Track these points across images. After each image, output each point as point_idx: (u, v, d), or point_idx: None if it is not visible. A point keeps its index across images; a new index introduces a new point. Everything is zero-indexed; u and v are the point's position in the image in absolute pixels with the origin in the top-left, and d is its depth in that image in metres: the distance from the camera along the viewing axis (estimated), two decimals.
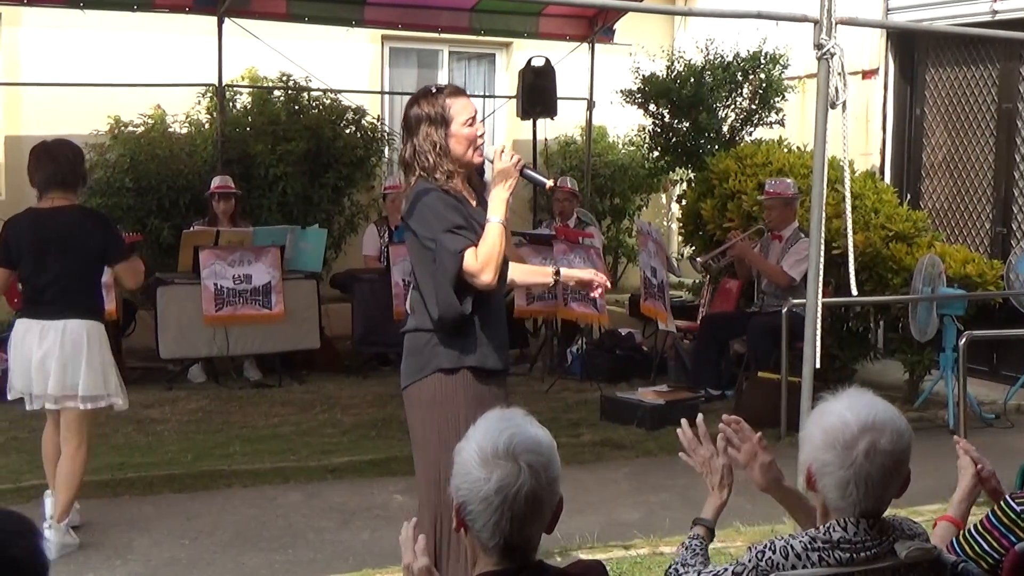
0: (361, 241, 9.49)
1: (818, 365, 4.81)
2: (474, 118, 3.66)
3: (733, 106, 10.04)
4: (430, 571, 2.35)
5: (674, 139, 10.14)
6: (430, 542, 3.46)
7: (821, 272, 4.79)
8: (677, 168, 10.53)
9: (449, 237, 3.55)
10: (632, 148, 11.67)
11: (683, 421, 2.91)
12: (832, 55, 4.62)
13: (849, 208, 4.87)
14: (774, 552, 2.41)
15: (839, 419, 2.41)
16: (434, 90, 3.67)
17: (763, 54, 9.90)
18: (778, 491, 2.85)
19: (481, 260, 3.54)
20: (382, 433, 6.93)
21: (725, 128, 10.03)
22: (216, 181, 8.60)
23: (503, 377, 3.80)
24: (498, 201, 3.61)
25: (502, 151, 3.66)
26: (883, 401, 2.48)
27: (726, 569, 2.48)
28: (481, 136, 3.68)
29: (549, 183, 3.83)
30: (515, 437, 2.15)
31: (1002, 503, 2.89)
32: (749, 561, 2.41)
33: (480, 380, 3.65)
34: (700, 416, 2.92)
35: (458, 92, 3.69)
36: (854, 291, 4.99)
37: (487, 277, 3.55)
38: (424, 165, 3.62)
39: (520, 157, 3.69)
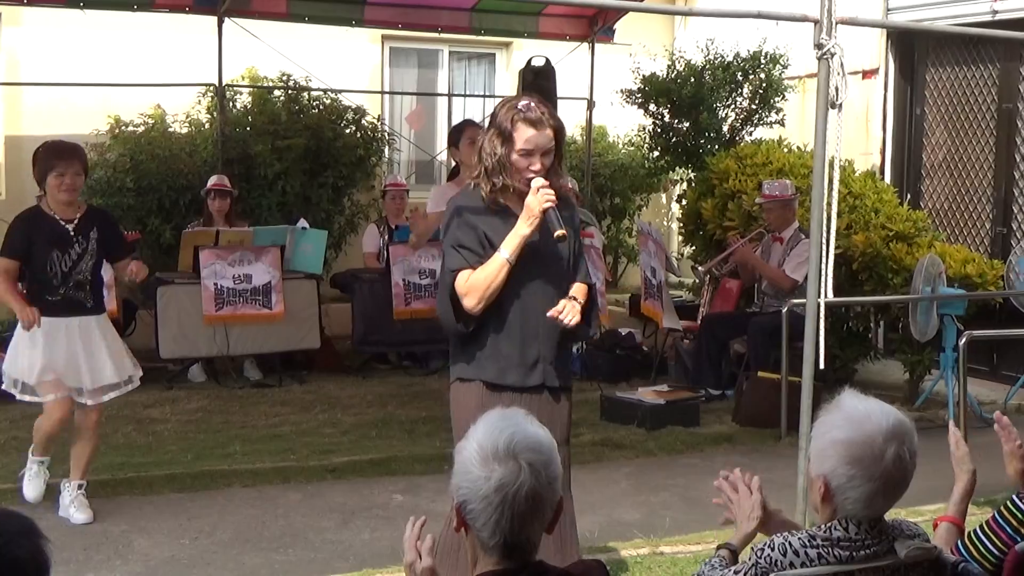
0: (361, 240, 9.50)
1: (822, 365, 4.80)
2: (531, 152, 3.57)
3: (733, 106, 10.04)
4: (433, 571, 2.34)
5: (674, 139, 10.14)
6: (451, 541, 3.45)
7: (822, 272, 4.79)
8: (677, 168, 10.53)
9: (451, 253, 3.62)
10: (632, 148, 11.67)
11: (721, 474, 2.81)
12: (832, 55, 4.62)
13: (835, 211, 4.80)
14: (772, 550, 2.43)
15: (859, 432, 2.37)
16: (519, 105, 3.60)
17: (763, 54, 9.90)
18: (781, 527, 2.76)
19: (468, 284, 3.56)
20: (382, 433, 6.93)
21: (725, 128, 10.03)
22: (213, 179, 8.59)
23: (535, 394, 3.63)
24: (515, 237, 3.58)
25: (539, 188, 3.57)
26: (884, 403, 2.47)
27: (729, 569, 2.50)
28: (534, 174, 3.59)
29: (560, 232, 3.72)
30: (515, 436, 2.16)
31: (1009, 503, 2.86)
32: (749, 559, 2.44)
33: (497, 394, 3.57)
34: (737, 470, 2.82)
35: (531, 123, 3.57)
36: (828, 295, 4.90)
37: (469, 302, 3.57)
38: (485, 166, 3.63)
39: (551, 199, 3.58)
